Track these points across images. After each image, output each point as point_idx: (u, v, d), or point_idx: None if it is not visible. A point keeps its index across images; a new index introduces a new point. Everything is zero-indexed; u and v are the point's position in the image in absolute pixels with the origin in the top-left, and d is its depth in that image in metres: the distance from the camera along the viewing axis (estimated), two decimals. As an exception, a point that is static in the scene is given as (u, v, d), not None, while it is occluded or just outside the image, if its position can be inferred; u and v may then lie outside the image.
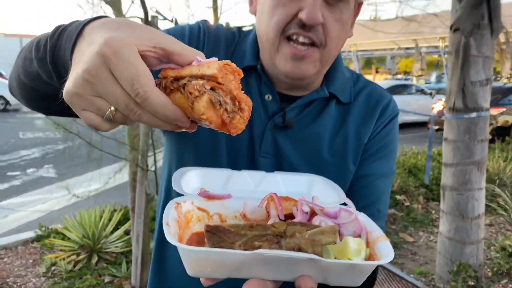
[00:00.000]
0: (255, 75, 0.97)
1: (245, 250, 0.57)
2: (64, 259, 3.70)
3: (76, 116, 0.89)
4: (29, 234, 4.48)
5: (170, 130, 0.54)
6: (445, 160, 3.31)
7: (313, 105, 0.98)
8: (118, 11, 3.22)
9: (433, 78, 25.81)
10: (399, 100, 14.86)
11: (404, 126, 14.64)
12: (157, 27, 2.86)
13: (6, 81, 18.19)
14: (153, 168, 3.22)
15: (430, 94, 14.42)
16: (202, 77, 0.51)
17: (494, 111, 10.14)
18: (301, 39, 0.85)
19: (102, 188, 4.43)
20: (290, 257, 0.55)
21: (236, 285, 0.60)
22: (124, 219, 4.25)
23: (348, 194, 0.94)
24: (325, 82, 0.99)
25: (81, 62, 0.51)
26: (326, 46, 0.87)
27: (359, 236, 0.68)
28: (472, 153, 3.16)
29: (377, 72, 45.90)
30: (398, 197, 5.31)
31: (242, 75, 0.53)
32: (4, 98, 18.05)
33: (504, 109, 10.43)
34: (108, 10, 3.23)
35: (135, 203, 3.16)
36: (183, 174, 0.80)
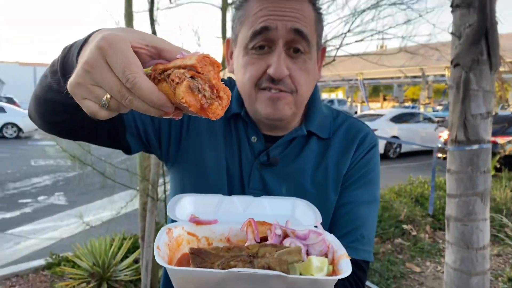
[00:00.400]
0: (242, 120, 1.09)
1: (223, 269, 0.66)
2: (74, 287, 3.76)
3: (82, 139, 1.01)
4: (40, 262, 4.55)
5: (158, 116, 0.60)
6: (448, 190, 3.36)
7: (295, 142, 1.09)
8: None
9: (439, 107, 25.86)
10: (407, 128, 15.03)
11: (411, 154, 14.68)
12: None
13: (20, 109, 18.52)
14: (163, 198, 3.31)
15: (437, 122, 14.48)
16: (184, 67, 0.57)
17: (502, 140, 10.15)
18: (273, 91, 0.98)
19: (112, 216, 4.52)
20: (260, 274, 0.63)
21: None
22: (134, 247, 4.31)
23: (332, 221, 1.04)
24: (304, 121, 1.10)
25: (82, 57, 0.60)
26: (297, 92, 0.99)
27: (326, 255, 0.77)
28: (475, 184, 3.21)
29: (385, 99, 46.13)
30: (405, 226, 5.32)
31: (221, 68, 0.61)
32: (17, 126, 18.42)
33: (510, 138, 10.44)
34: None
35: (145, 232, 3.24)
36: (178, 201, 0.90)
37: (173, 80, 0.56)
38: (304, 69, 0.99)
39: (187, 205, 0.90)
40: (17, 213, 7.07)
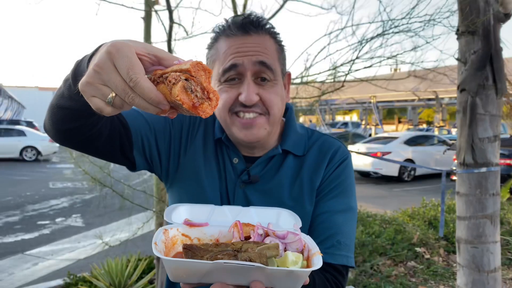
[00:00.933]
0: (224, 144, 1.21)
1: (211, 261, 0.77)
2: (91, 306, 3.85)
3: (95, 153, 1.12)
4: (58, 282, 4.66)
5: (155, 113, 0.68)
6: (458, 213, 3.40)
7: (273, 160, 1.20)
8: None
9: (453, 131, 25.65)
10: (421, 151, 14.96)
11: (427, 177, 14.56)
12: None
13: (39, 133, 18.82)
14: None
15: (450, 145, 14.42)
16: (180, 71, 0.67)
17: (517, 163, 10.05)
18: (246, 115, 1.10)
19: (128, 238, 4.63)
20: (242, 265, 0.73)
21: None
22: (149, 268, 4.40)
23: (310, 230, 1.15)
24: (280, 142, 1.22)
25: (93, 61, 0.69)
26: (269, 113, 1.12)
27: (302, 252, 0.88)
28: (485, 207, 3.25)
29: (399, 122, 45.84)
30: (418, 249, 5.30)
31: (212, 73, 0.71)
32: (36, 149, 18.89)
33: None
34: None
35: (161, 253, 3.33)
36: (175, 209, 1.02)
37: (170, 81, 0.66)
38: (272, 92, 1.11)
39: (182, 212, 1.02)
40: (35, 234, 7.23)
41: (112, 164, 4.16)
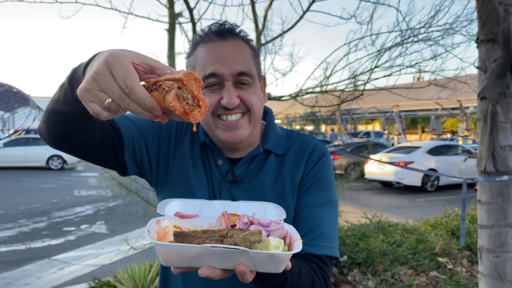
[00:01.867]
0: (208, 147, 1.27)
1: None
2: (114, 310, 3.94)
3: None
4: (83, 286, 4.80)
5: (148, 118, 0.74)
6: (480, 221, 3.37)
7: (256, 160, 1.27)
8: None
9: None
10: (444, 160, 14.71)
11: (450, 187, 14.29)
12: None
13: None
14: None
15: (472, 153, 14.14)
16: (173, 80, 0.73)
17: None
18: (229, 117, 1.17)
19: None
20: (227, 249, 0.79)
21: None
22: (171, 273, 4.48)
23: (293, 224, 1.20)
24: (261, 142, 1.29)
25: (91, 69, 0.74)
26: (251, 111, 1.18)
27: (284, 239, 0.94)
28: (507, 215, 3.21)
29: (423, 131, 45.08)
30: (440, 259, 5.24)
31: (202, 82, 0.78)
32: (62, 158, 19.41)
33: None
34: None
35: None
36: (167, 203, 1.08)
37: (164, 89, 0.71)
38: (252, 93, 1.18)
39: (174, 206, 1.08)
40: (61, 240, 7.44)
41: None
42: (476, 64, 3.41)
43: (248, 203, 1.11)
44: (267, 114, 1.36)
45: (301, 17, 3.57)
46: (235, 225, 0.99)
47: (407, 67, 3.82)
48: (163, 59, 3.69)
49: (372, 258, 4.94)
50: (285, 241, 0.93)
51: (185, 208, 1.08)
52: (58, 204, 10.91)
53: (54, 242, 7.30)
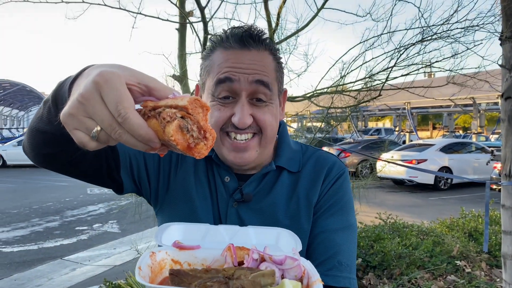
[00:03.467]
0: (215, 163, 1.15)
1: None
2: (126, 314, 3.89)
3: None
4: (95, 288, 4.76)
5: (144, 151, 0.63)
6: (503, 227, 3.25)
7: (267, 177, 1.15)
8: (184, 86, 3.61)
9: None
10: (458, 158, 14.47)
11: (464, 185, 14.07)
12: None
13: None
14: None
15: (492, 152, 13.90)
16: (175, 107, 0.61)
17: None
18: (238, 137, 1.05)
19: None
20: None
21: None
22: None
23: (309, 250, 1.11)
24: (274, 158, 1.17)
25: (78, 90, 0.62)
26: (263, 133, 1.07)
27: (301, 280, 0.80)
28: (532, 221, 3.09)
29: (434, 128, 44.59)
30: (458, 262, 5.10)
31: (210, 110, 0.65)
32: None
33: None
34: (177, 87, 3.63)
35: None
36: (166, 229, 0.95)
37: (164, 118, 0.60)
38: (267, 112, 1.06)
39: (174, 232, 0.95)
40: (74, 240, 7.44)
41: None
42: (500, 62, 3.28)
43: (258, 229, 0.98)
44: (280, 126, 1.23)
45: (316, 15, 3.47)
46: (242, 262, 0.85)
47: (426, 66, 3.70)
48: (174, 60, 3.62)
49: (387, 261, 4.83)
50: (302, 282, 0.80)
51: (187, 235, 0.95)
52: (71, 202, 10.95)
53: (66, 241, 7.30)
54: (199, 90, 1.17)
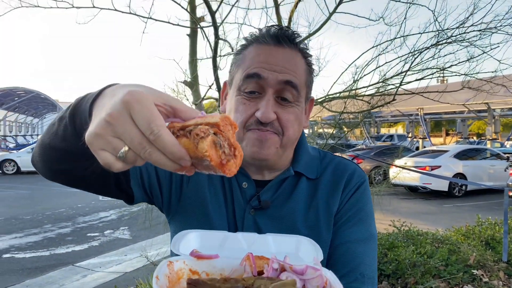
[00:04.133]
0: None
1: None
2: (137, 321, 3.86)
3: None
4: (106, 295, 4.74)
5: (173, 170, 0.61)
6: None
7: (286, 183, 1.11)
8: (195, 91, 3.59)
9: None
10: (473, 165, 14.24)
11: (479, 192, 13.83)
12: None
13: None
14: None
15: (507, 159, 13.65)
16: (207, 124, 0.61)
17: None
18: (260, 130, 1.02)
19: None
20: None
21: None
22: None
23: (330, 262, 1.08)
24: (292, 163, 1.13)
25: (104, 109, 0.61)
26: (284, 134, 1.04)
27: None
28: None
29: (447, 134, 44.10)
30: (475, 272, 4.97)
31: (237, 128, 0.64)
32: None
33: None
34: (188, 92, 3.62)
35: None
36: (183, 237, 0.92)
37: (197, 135, 0.59)
38: (291, 113, 1.03)
39: (191, 240, 0.92)
40: (85, 246, 7.45)
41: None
42: (517, 66, 3.20)
43: (277, 236, 0.96)
44: (300, 133, 1.19)
45: (328, 19, 3.43)
46: (262, 272, 0.82)
47: (441, 70, 3.63)
48: (184, 65, 3.61)
49: (402, 269, 4.73)
50: None
51: (204, 242, 0.93)
52: (83, 209, 11.01)
53: (78, 248, 7.32)
54: (226, 87, 1.16)
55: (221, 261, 0.86)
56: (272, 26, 1.08)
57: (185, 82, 3.61)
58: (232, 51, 2.86)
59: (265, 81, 1.01)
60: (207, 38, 2.80)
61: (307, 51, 1.10)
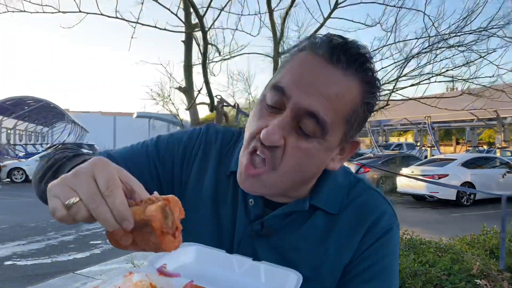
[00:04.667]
0: None
1: None
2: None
3: None
4: (103, 303, 4.71)
5: (110, 229, 0.62)
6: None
7: (296, 214, 0.93)
8: (189, 97, 3.58)
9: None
10: (481, 173, 14.03)
11: (488, 201, 13.61)
12: (222, 112, 3.14)
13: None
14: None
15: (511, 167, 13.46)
16: (157, 198, 0.64)
17: None
18: (258, 151, 0.83)
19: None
20: None
21: None
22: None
23: None
24: (310, 193, 0.94)
25: (75, 168, 0.66)
26: (276, 171, 0.82)
27: None
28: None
29: (458, 143, 43.62)
30: (478, 281, 4.87)
31: (183, 216, 0.64)
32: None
33: None
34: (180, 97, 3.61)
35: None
36: (181, 249, 0.87)
37: (149, 199, 0.63)
38: (303, 150, 0.81)
39: (187, 253, 0.90)
40: (87, 253, 7.45)
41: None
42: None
43: (269, 266, 0.85)
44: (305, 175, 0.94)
45: (322, 24, 3.42)
46: None
47: (437, 75, 3.60)
48: (171, 69, 3.60)
49: (402, 278, 4.64)
50: None
51: (200, 258, 0.90)
52: (86, 217, 11.04)
53: (79, 255, 7.32)
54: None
55: (179, 281, 0.81)
56: (335, 35, 0.85)
57: (180, 89, 3.61)
58: (220, 55, 2.86)
59: (288, 99, 0.80)
60: (198, 44, 2.79)
61: (371, 79, 0.83)
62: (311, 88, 0.78)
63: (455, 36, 3.36)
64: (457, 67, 3.53)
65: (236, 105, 3.04)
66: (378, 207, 0.94)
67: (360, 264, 0.90)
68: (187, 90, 3.52)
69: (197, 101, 3.15)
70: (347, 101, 0.80)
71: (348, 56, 0.79)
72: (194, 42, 3.43)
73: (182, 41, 3.57)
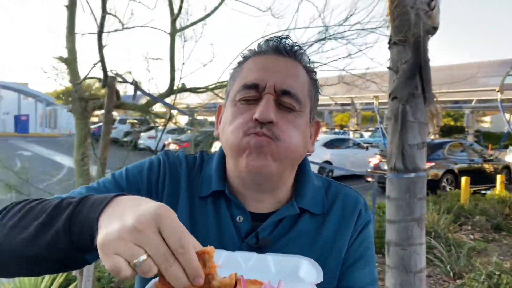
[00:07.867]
0: (224, 199, 0.97)
1: None
2: (-3, 328, 3.40)
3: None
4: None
5: (180, 287, 0.59)
6: (388, 217, 3.53)
7: (284, 221, 0.96)
8: (73, 71, 3.24)
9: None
10: (339, 153, 15.66)
11: (343, 178, 15.26)
12: (115, 89, 2.91)
13: None
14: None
15: (366, 148, 15.32)
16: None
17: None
18: (259, 130, 0.87)
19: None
20: None
21: None
22: (67, 279, 4.02)
23: None
24: (295, 196, 0.98)
25: (128, 217, 0.59)
26: (280, 140, 0.87)
27: None
28: (413, 210, 3.40)
29: (316, 125, 47.73)
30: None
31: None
32: None
33: (433, 164, 11.29)
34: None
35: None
36: None
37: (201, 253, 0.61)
38: (292, 122, 0.90)
39: None
40: None
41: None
42: (388, 65, 3.55)
43: (277, 256, 0.86)
44: (301, 150, 0.99)
45: (220, 3, 3.37)
46: None
47: (323, 64, 3.84)
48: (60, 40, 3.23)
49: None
50: None
51: None
52: None
53: None
54: (221, 110, 1.03)
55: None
56: (271, 38, 0.99)
57: (61, 59, 3.23)
58: (123, 26, 2.63)
59: (263, 88, 0.90)
60: (91, 11, 2.51)
61: (310, 66, 1.00)
62: (278, 72, 0.92)
63: (339, 28, 3.64)
64: (340, 58, 3.83)
65: (134, 82, 2.83)
66: (359, 200, 1.04)
67: (354, 253, 0.99)
68: (71, 61, 3.16)
69: (90, 75, 2.86)
70: (303, 80, 0.95)
71: (289, 48, 0.96)
72: (79, 8, 3.08)
73: (65, 6, 3.18)
